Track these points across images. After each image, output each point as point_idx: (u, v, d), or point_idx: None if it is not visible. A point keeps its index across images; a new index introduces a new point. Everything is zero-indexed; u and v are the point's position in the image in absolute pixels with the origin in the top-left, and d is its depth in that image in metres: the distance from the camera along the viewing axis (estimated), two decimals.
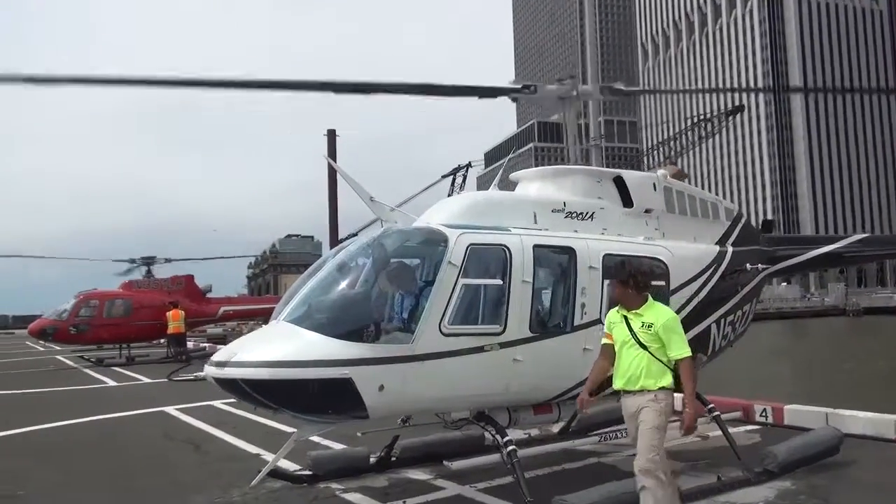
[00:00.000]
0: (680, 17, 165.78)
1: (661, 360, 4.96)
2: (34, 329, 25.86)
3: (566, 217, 6.84)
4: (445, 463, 6.08)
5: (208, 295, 28.47)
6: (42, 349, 37.54)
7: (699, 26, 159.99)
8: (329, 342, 5.23)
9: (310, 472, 7.20)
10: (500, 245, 5.95)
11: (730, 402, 9.28)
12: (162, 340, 25.78)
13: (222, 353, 5.42)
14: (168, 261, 28.90)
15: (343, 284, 5.88)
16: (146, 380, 18.96)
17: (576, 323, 6.32)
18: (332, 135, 31.17)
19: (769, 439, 7.99)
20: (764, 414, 9.30)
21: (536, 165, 9.65)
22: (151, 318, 24.76)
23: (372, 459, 7.45)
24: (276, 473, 6.82)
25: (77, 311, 25.07)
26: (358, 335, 5.34)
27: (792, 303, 79.11)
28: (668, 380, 4.98)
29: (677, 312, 6.90)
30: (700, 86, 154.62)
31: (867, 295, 79.92)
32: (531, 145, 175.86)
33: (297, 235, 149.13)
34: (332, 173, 29.39)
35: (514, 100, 8.30)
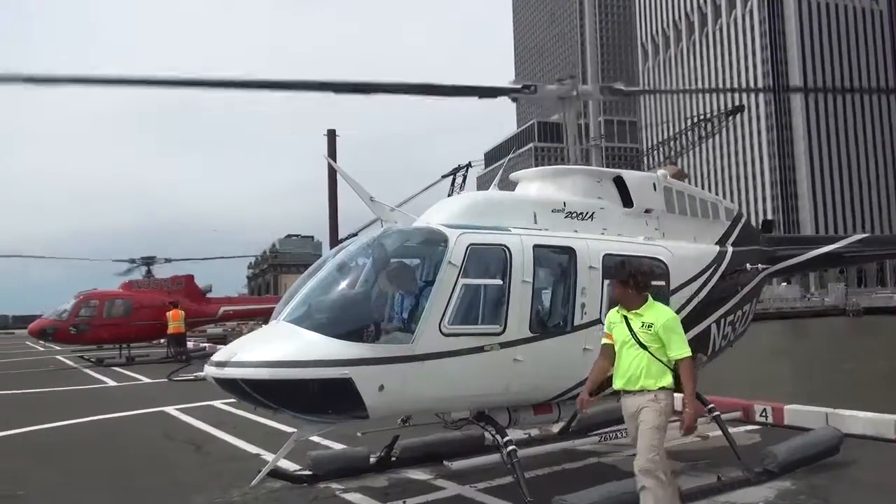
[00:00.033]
0: (680, 17, 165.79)
1: (661, 360, 4.96)
2: (34, 329, 25.86)
3: (566, 217, 6.84)
4: (445, 463, 6.08)
5: (208, 295, 28.48)
6: (42, 349, 37.55)
7: (699, 26, 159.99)
8: (329, 342, 5.23)
9: (310, 472, 7.19)
10: (500, 245, 5.95)
11: (730, 402, 9.29)
12: (162, 340, 25.79)
13: (222, 354, 5.42)
14: (168, 261, 28.91)
15: (343, 284, 5.87)
16: (146, 380, 18.97)
17: (576, 323, 6.32)
18: (331, 135, 31.19)
19: (769, 439, 7.99)
20: (764, 414, 9.30)
21: (536, 165, 9.64)
22: (151, 318, 24.77)
23: (372, 459, 7.45)
24: (277, 473, 6.82)
25: (77, 311, 25.07)
26: (358, 335, 5.34)
27: (792, 303, 79.10)
28: (668, 380, 4.98)
29: (677, 312, 6.89)
30: (700, 86, 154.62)
31: (867, 295, 79.91)
32: (531, 145, 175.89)
33: (298, 235, 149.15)
34: (333, 173, 29.40)
35: (514, 100, 8.30)
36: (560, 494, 5.54)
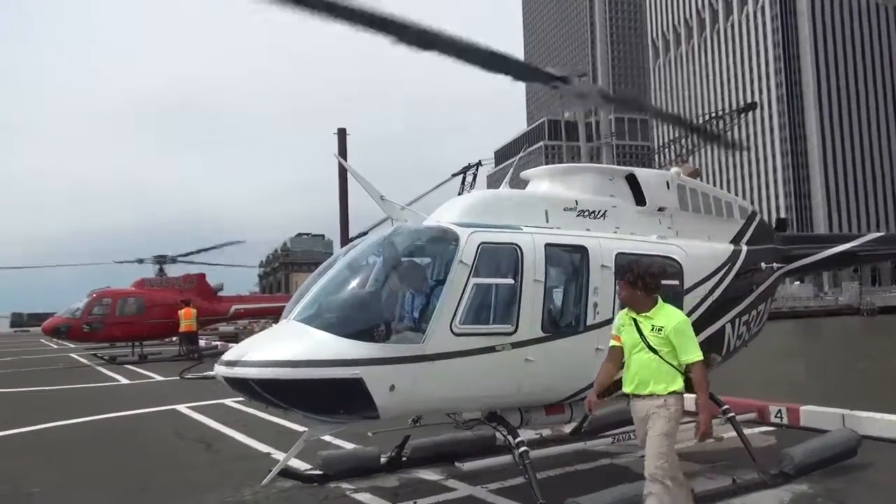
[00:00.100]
0: (691, 14, 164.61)
1: (671, 364, 4.89)
2: (48, 327, 26.08)
3: (578, 215, 6.78)
4: (456, 463, 6.05)
5: (220, 293, 28.64)
6: (56, 347, 37.87)
7: (710, 23, 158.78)
8: (339, 342, 5.20)
9: (320, 472, 7.18)
10: (512, 244, 5.89)
11: (744, 403, 9.17)
12: (174, 338, 25.96)
13: (233, 353, 5.40)
14: (174, 261, 29.02)
15: (353, 283, 5.83)
16: (158, 378, 19.07)
17: (588, 323, 6.26)
18: (342, 133, 31.25)
19: (785, 441, 7.90)
20: (779, 415, 9.19)
21: (547, 164, 9.53)
22: (163, 317, 24.94)
23: (382, 459, 7.42)
24: (287, 473, 6.81)
25: (90, 309, 25.26)
26: (368, 335, 5.30)
27: (805, 302, 78.30)
28: (678, 384, 4.90)
29: (691, 312, 6.82)
30: (711, 82, 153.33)
31: (882, 294, 79.02)
32: (541, 143, 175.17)
33: (308, 234, 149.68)
34: (343, 172, 29.46)
35: (553, 87, 7.94)
36: (572, 496, 5.49)
